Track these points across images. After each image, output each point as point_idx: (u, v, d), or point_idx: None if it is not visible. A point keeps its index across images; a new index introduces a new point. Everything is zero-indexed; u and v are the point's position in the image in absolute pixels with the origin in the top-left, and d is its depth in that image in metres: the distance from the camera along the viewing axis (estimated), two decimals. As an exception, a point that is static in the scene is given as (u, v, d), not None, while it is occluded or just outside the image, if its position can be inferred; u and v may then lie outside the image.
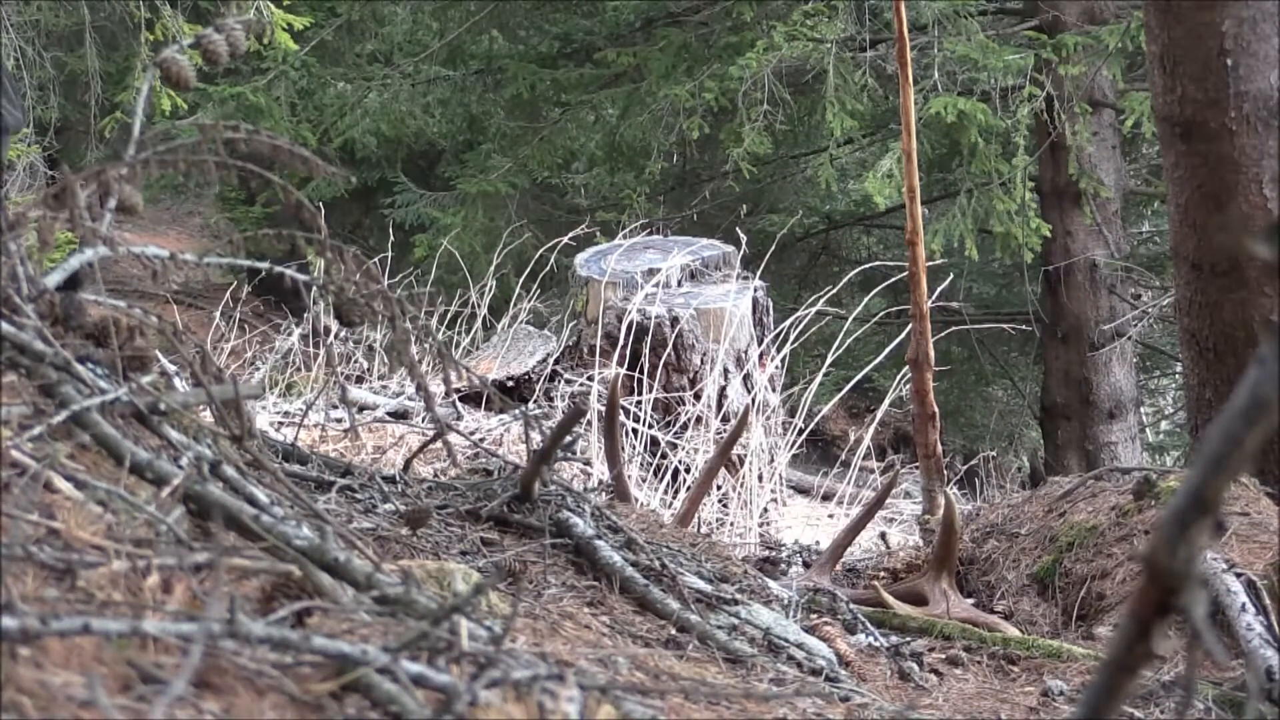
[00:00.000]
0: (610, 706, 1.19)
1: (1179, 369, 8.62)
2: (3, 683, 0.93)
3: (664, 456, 5.07)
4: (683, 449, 5.01)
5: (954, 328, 7.37)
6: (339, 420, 5.17)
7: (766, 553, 3.63)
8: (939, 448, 4.09)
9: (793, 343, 5.66)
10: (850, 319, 6.64)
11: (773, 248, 7.10)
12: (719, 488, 4.82)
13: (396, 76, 9.57)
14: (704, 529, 4.40)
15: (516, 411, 4.92)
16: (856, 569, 3.42)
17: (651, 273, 5.43)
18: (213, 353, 3.03)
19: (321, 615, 1.26)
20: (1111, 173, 8.83)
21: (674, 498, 4.84)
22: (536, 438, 2.63)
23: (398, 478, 2.38)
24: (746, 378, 5.32)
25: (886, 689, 2.12)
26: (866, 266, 6.94)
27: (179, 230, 12.99)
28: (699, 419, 5.10)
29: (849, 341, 6.03)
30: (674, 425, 5.11)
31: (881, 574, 3.28)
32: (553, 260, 6.86)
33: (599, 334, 5.29)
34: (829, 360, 5.85)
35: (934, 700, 2.12)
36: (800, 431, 5.61)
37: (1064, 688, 2.23)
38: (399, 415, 5.55)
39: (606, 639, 1.83)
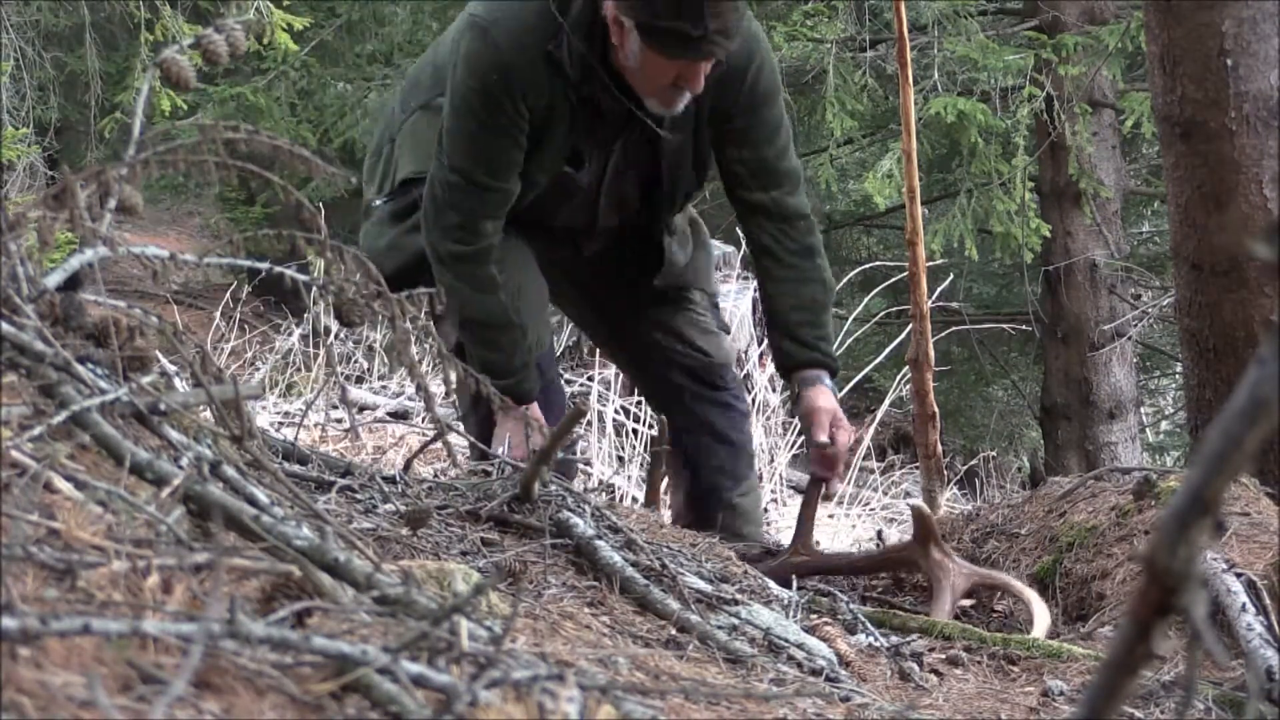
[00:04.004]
0: (610, 706, 1.19)
1: (1179, 369, 8.62)
2: (3, 683, 0.93)
3: (664, 456, 5.05)
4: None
5: (954, 328, 7.38)
6: (339, 420, 5.17)
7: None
8: (939, 448, 4.09)
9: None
10: (850, 319, 6.65)
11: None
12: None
13: (396, 76, 9.56)
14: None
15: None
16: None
17: (651, 273, 5.43)
18: (213, 353, 3.04)
19: (321, 615, 1.26)
20: (1111, 173, 8.83)
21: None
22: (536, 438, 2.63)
23: (398, 478, 2.38)
24: (747, 378, 5.32)
25: (886, 689, 2.12)
26: (866, 266, 6.95)
27: (179, 230, 12.99)
28: (699, 419, 5.09)
29: (849, 341, 6.03)
30: (674, 425, 5.10)
31: (881, 574, 3.28)
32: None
33: (599, 334, 5.28)
34: (829, 360, 5.83)
35: (934, 700, 2.12)
36: (800, 432, 5.60)
37: (1064, 688, 2.23)
38: (399, 415, 5.56)
39: (607, 639, 1.83)
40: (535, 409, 2.99)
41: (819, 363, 3.00)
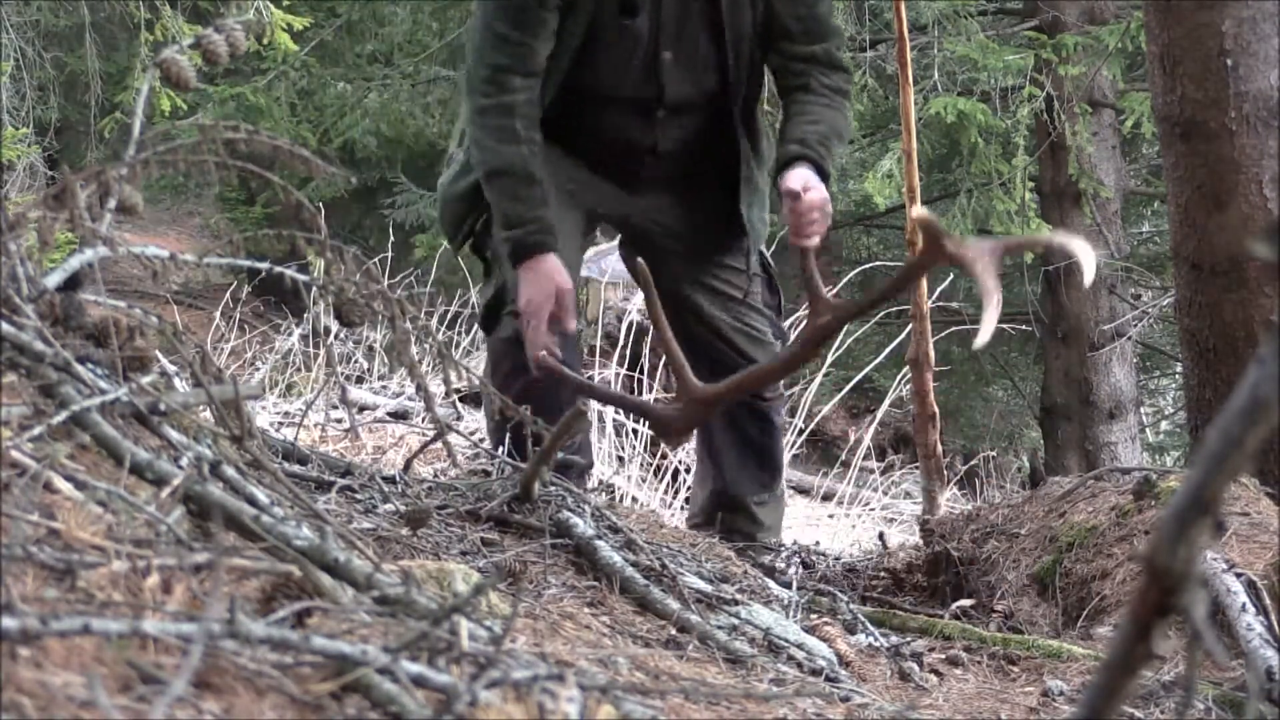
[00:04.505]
0: (610, 706, 1.19)
1: (1179, 369, 8.62)
2: (3, 683, 0.93)
3: (664, 456, 5.07)
4: (683, 449, 5.02)
5: (954, 328, 7.37)
6: (339, 420, 5.17)
7: (766, 553, 3.62)
8: (939, 448, 4.09)
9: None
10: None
11: (772, 248, 7.10)
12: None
13: (396, 76, 9.57)
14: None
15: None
16: (856, 569, 3.41)
17: (652, 273, 5.43)
18: (213, 353, 3.04)
19: (321, 615, 1.26)
20: (1111, 173, 8.84)
21: (674, 498, 4.84)
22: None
23: (398, 478, 2.38)
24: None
25: (886, 689, 2.12)
26: (866, 266, 6.95)
27: (179, 230, 13.00)
28: (699, 419, 5.09)
29: (849, 341, 6.03)
30: (674, 425, 5.10)
31: (881, 574, 3.28)
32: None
33: (599, 334, 5.30)
34: (829, 360, 5.85)
35: (934, 700, 2.12)
36: (800, 431, 5.61)
37: (1064, 688, 2.23)
38: (399, 415, 5.56)
39: (606, 639, 1.83)
40: (554, 260, 2.97)
41: (813, 160, 2.99)
